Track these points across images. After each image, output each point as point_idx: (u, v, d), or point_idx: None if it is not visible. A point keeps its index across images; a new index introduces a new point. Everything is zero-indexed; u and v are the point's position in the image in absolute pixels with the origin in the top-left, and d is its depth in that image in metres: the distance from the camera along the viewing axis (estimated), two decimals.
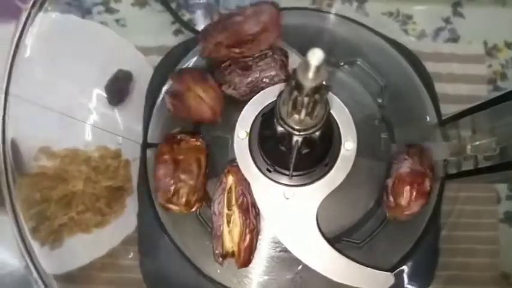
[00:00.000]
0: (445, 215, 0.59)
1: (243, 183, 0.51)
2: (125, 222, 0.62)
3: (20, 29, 0.53)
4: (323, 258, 0.50)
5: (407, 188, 0.52)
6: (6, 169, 0.49)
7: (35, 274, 0.48)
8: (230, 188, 0.52)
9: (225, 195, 0.52)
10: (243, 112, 0.52)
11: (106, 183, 0.63)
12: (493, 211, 0.66)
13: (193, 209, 0.54)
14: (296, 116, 0.39)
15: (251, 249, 0.51)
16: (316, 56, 0.30)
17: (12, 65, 0.52)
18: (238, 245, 0.50)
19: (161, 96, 0.62)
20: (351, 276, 0.50)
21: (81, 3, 0.70)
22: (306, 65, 0.31)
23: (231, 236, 0.51)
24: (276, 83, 0.54)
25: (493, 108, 0.50)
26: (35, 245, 0.51)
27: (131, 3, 0.72)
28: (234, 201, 0.51)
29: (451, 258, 0.60)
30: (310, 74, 0.32)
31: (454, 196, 0.62)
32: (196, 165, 0.53)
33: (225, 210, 0.51)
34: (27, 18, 0.53)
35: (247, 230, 0.50)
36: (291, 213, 0.51)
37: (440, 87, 0.63)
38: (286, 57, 0.55)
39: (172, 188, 0.52)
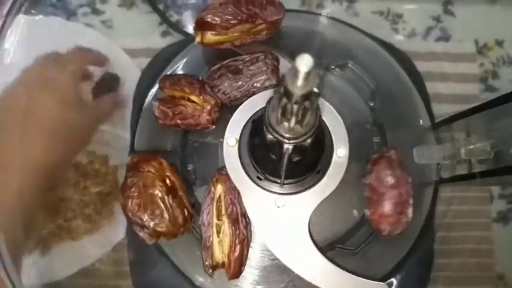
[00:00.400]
0: (439, 216, 0.59)
1: (233, 192, 0.50)
2: (114, 229, 0.61)
3: None
4: (315, 268, 0.50)
5: (381, 227, 0.51)
6: None
7: None
8: (219, 198, 0.50)
9: (214, 204, 0.50)
10: (232, 118, 0.51)
11: (94, 189, 0.62)
12: (487, 211, 0.66)
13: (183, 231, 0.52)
14: (286, 124, 0.38)
15: (241, 260, 0.49)
16: (305, 62, 0.29)
17: None
18: (228, 256, 0.49)
19: (148, 99, 0.60)
20: (343, 287, 0.50)
21: (66, 5, 0.69)
22: (294, 72, 0.30)
23: (221, 246, 0.50)
24: (267, 87, 0.53)
25: (488, 111, 0.49)
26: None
27: (117, 4, 0.71)
28: (223, 211, 0.50)
29: (446, 260, 0.60)
30: (300, 81, 0.31)
31: (448, 197, 0.61)
32: (161, 202, 0.50)
33: (215, 221, 0.50)
34: (4, 22, 0.51)
35: (237, 241, 0.49)
36: (282, 222, 0.50)
37: (431, 87, 0.63)
38: (278, 61, 0.54)
39: (150, 228, 0.50)
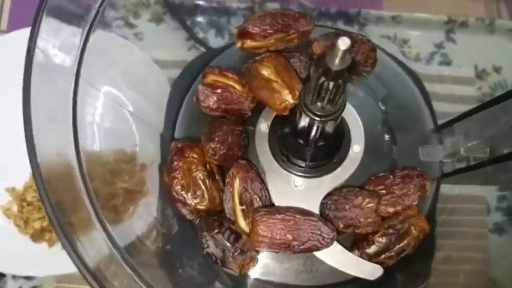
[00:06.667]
0: (439, 225, 0.62)
1: (247, 180, 0.54)
2: (137, 223, 0.63)
3: None
4: None
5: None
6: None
7: None
8: (236, 188, 0.55)
9: (235, 195, 0.54)
10: (267, 107, 0.57)
11: (121, 185, 0.64)
12: (483, 221, 0.70)
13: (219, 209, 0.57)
14: (319, 104, 0.45)
15: None
16: (344, 42, 0.36)
17: None
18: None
19: (184, 103, 0.66)
20: (345, 263, 0.54)
21: (102, 18, 0.74)
22: (335, 50, 0.37)
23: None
24: None
25: (482, 113, 0.56)
26: None
27: (147, 19, 0.76)
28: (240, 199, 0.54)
29: (443, 266, 0.63)
30: (338, 59, 0.38)
31: (447, 206, 0.66)
32: (202, 184, 0.56)
33: (238, 207, 0.54)
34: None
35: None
36: (297, 200, 0.55)
37: (433, 106, 0.68)
38: (311, 61, 0.60)
39: (192, 206, 0.56)
